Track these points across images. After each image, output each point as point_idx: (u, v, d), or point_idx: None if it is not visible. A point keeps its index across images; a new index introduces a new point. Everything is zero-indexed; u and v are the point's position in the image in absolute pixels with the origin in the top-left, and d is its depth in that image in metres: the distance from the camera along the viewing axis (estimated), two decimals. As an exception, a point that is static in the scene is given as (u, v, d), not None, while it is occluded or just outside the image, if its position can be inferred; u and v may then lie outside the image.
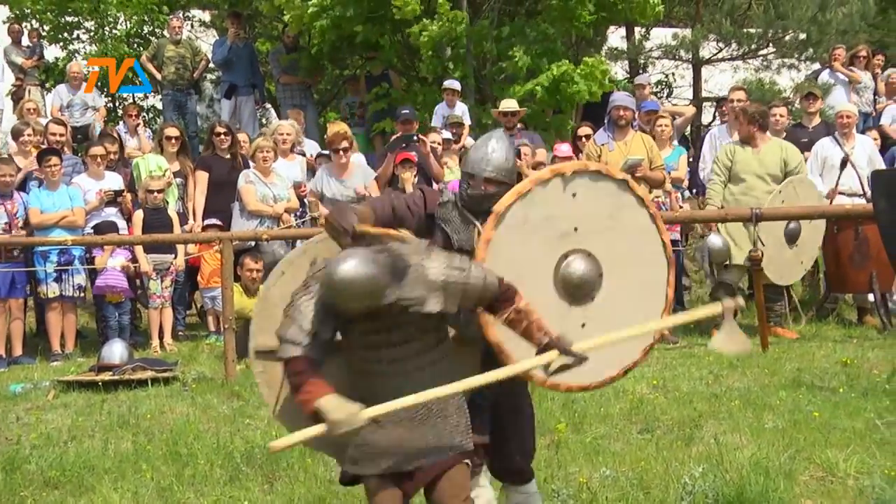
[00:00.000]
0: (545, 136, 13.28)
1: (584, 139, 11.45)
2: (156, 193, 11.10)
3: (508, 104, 12.42)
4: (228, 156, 11.79)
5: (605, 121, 10.47)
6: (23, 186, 11.23)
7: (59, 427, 7.74)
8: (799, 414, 7.18)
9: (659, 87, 19.87)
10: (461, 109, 13.34)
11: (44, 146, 11.74)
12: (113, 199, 11.24)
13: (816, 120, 12.40)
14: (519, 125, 12.55)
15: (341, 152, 11.03)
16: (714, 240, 10.23)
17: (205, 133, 13.49)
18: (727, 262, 10.24)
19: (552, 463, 6.35)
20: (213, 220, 11.26)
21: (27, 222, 10.83)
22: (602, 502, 5.68)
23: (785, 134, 11.68)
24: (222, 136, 11.76)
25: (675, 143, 12.09)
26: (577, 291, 4.38)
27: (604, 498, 5.74)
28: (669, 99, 19.57)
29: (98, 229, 10.92)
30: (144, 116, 16.30)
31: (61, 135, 12.18)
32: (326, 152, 11.64)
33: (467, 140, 12.68)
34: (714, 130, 12.46)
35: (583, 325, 4.36)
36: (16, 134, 12.01)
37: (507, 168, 4.59)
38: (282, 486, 6.11)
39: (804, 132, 12.22)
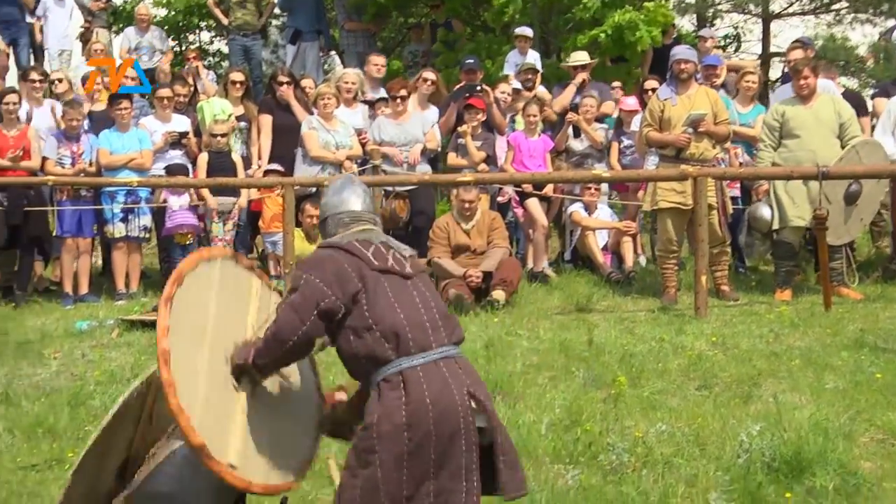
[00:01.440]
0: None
1: (650, 93, 11.32)
2: (220, 137, 11.17)
3: (578, 57, 12.29)
4: (292, 102, 11.78)
5: (668, 75, 10.35)
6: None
7: (123, 365, 7.88)
8: (861, 375, 7.11)
9: (727, 40, 19.57)
10: (533, 57, 13.20)
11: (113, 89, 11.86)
12: (177, 140, 11.32)
13: None
14: (587, 77, 12.44)
15: (399, 99, 11.16)
16: (764, 210, 10.14)
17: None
18: (772, 230, 10.17)
19: (608, 416, 6.36)
20: (275, 166, 11.30)
21: (95, 163, 10.99)
22: (657, 457, 5.69)
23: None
24: (284, 85, 11.76)
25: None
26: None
27: (659, 453, 5.74)
28: (737, 53, 19.27)
29: (169, 171, 11.03)
30: (210, 61, 16.36)
31: (133, 78, 12.30)
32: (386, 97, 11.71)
33: (539, 89, 12.59)
34: (779, 90, 12.19)
35: None
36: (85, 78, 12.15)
37: None
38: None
39: None
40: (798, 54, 11.55)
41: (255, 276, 4.56)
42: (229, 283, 4.35)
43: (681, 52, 10.33)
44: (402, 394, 3.88)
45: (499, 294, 9.62)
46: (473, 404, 3.96)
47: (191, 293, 4.09)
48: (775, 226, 10.08)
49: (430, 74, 12.19)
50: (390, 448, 3.83)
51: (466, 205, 10.12)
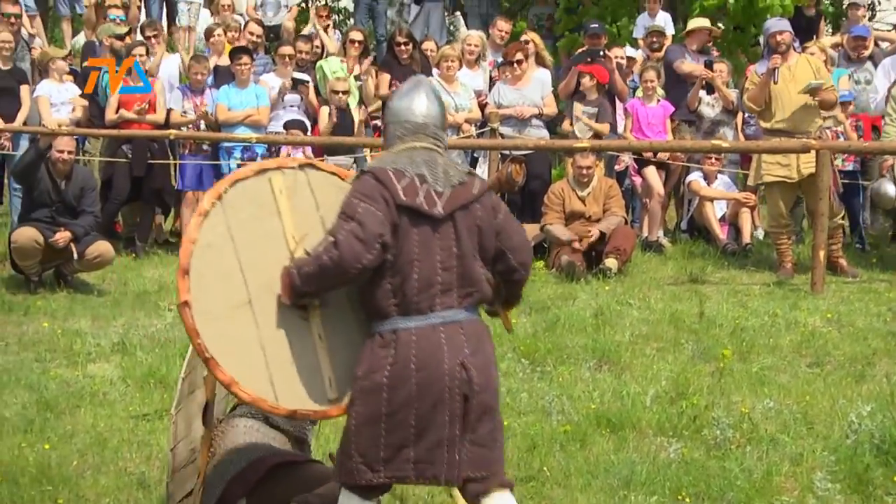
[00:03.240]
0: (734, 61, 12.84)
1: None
2: (341, 94, 11.24)
3: (698, 22, 12.03)
4: (410, 62, 11.77)
5: (765, 50, 10.15)
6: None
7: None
8: (982, 359, 6.91)
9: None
10: (663, 19, 12.98)
11: (237, 43, 12.02)
12: (294, 86, 11.43)
13: None
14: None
15: (515, 64, 11.14)
16: (887, 186, 9.99)
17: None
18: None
19: (714, 390, 6.30)
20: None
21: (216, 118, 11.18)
22: (762, 434, 5.61)
23: None
24: (402, 46, 11.75)
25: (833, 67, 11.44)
26: None
27: (764, 430, 5.67)
28: (871, 23, 18.68)
29: (287, 126, 11.14)
30: (335, 18, 16.40)
31: (258, 35, 12.51)
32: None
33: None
34: (886, 61, 11.79)
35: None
36: (208, 33, 12.35)
37: None
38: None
39: None
40: None
41: (268, 176, 4.09)
42: (242, 212, 4.00)
43: (773, 24, 10.20)
44: (392, 353, 3.81)
45: (611, 262, 9.55)
46: (465, 376, 3.82)
47: (205, 269, 3.88)
48: None
49: (525, 36, 12.17)
50: (366, 404, 3.81)
51: (584, 171, 10.06)
